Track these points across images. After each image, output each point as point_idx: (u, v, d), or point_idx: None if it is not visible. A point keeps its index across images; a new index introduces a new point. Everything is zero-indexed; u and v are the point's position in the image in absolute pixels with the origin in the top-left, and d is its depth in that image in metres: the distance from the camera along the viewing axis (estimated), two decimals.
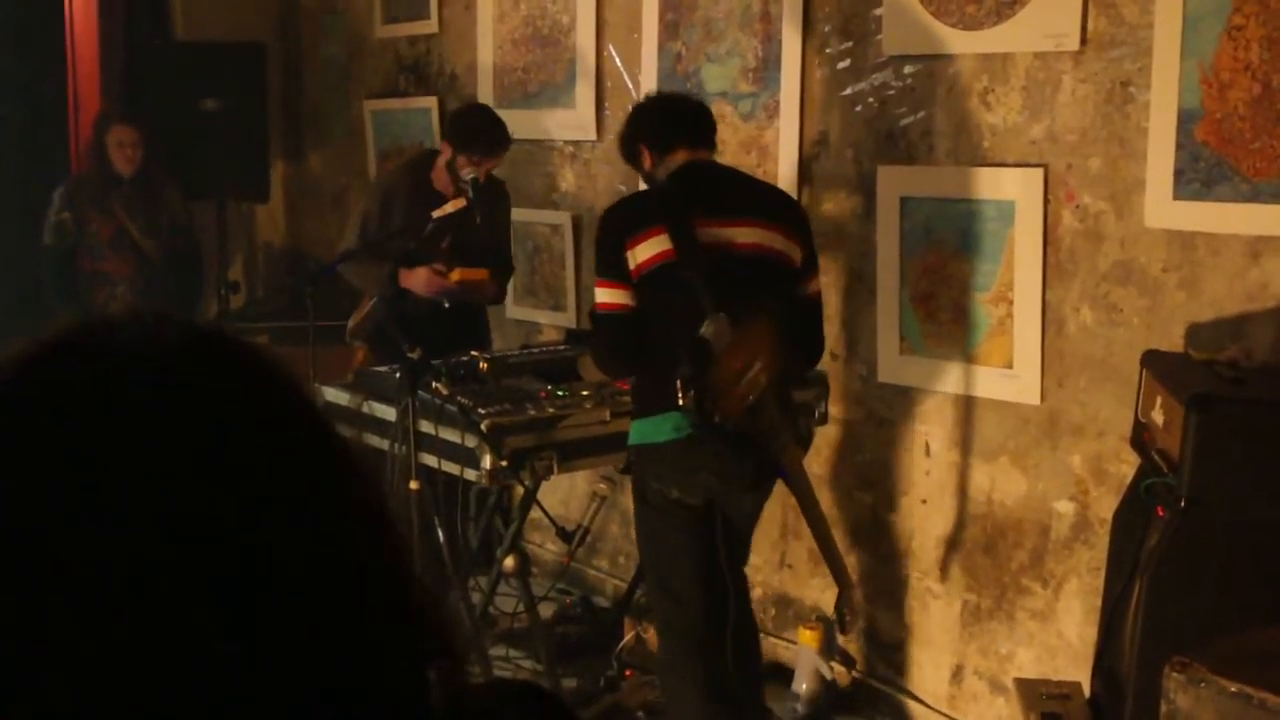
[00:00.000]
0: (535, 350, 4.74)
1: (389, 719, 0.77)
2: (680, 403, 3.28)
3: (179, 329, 0.78)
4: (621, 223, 3.49)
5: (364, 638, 0.76)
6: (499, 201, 4.77)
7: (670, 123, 3.64)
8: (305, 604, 0.73)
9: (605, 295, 3.48)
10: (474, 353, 4.27)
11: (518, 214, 5.46)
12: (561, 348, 4.68)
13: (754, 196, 3.62)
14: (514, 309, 5.56)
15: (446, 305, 4.61)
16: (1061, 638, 3.83)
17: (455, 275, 4.53)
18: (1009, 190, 3.79)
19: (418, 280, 4.54)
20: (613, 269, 3.45)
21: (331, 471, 0.79)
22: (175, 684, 0.68)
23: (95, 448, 0.70)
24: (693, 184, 3.53)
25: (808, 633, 4.32)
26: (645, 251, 3.39)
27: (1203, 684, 2.24)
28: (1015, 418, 3.88)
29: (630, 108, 3.90)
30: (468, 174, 4.46)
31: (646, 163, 3.64)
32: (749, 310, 3.32)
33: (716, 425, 3.30)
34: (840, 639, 4.38)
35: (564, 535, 4.28)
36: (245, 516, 0.72)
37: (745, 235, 3.46)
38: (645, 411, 3.51)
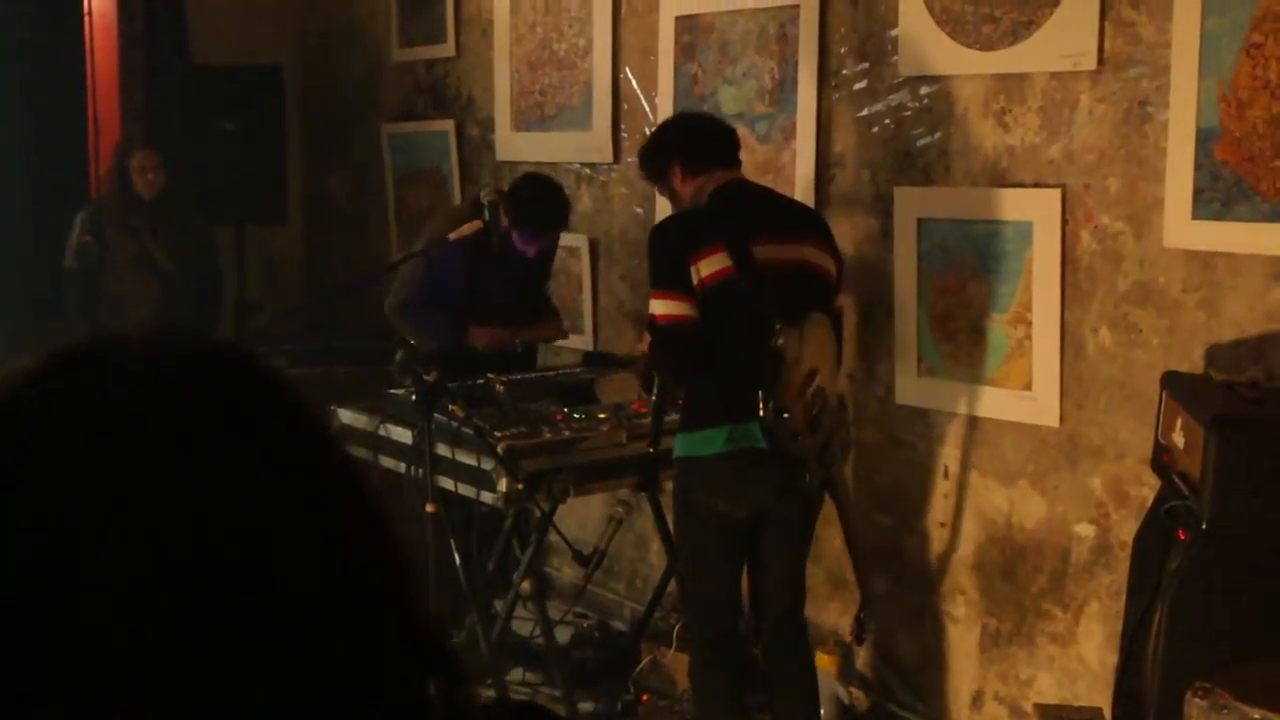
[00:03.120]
0: (552, 373, 4.74)
1: None
2: (761, 415, 3.35)
3: (191, 342, 0.78)
4: (682, 239, 3.53)
5: (364, 653, 0.75)
6: (546, 255, 4.83)
7: (705, 143, 3.68)
8: (305, 618, 0.72)
9: (666, 307, 3.49)
10: (490, 375, 4.26)
11: None
12: (578, 370, 4.67)
13: (794, 214, 3.73)
14: None
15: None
16: (1082, 662, 3.79)
17: (519, 339, 4.72)
18: (1027, 211, 3.77)
19: (486, 338, 4.60)
20: (675, 282, 3.48)
21: (338, 488, 0.79)
22: (174, 696, 0.68)
23: (104, 457, 0.70)
24: (739, 203, 3.59)
25: (825, 657, 4.29)
26: (708, 267, 3.44)
27: (1225, 709, 2.21)
28: (1034, 440, 3.85)
29: (656, 125, 3.90)
30: (486, 195, 4.50)
31: (676, 181, 3.66)
32: (807, 322, 3.42)
33: (785, 437, 3.37)
34: (858, 661, 4.35)
35: (580, 558, 4.25)
36: (249, 529, 0.71)
37: (793, 252, 3.55)
38: (696, 425, 3.55)
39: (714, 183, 3.61)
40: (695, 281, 3.44)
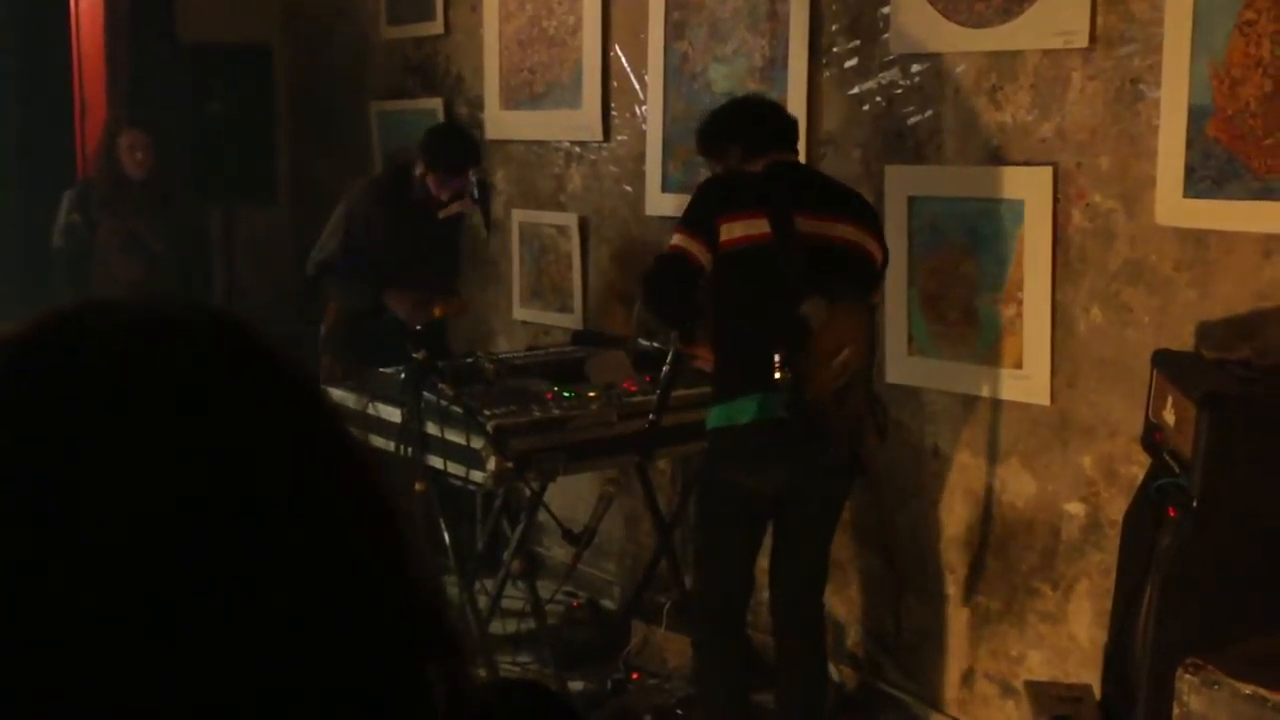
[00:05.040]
0: (541, 352, 4.73)
1: (388, 712, 0.75)
2: (777, 378, 3.34)
3: (181, 307, 0.77)
4: (721, 195, 3.55)
5: (361, 629, 0.74)
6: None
7: (769, 127, 3.70)
8: (300, 593, 0.71)
9: (679, 240, 3.51)
10: (479, 353, 4.26)
11: (525, 215, 5.46)
12: (568, 349, 4.67)
13: (845, 196, 3.70)
14: (520, 310, 5.55)
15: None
16: (1072, 640, 3.80)
17: (438, 311, 4.64)
18: (1018, 189, 3.76)
19: (404, 306, 4.62)
20: (697, 228, 3.49)
21: (332, 458, 0.78)
22: (167, 673, 0.67)
23: (91, 422, 0.69)
24: (789, 178, 3.61)
25: None
26: (739, 229, 3.45)
27: (1216, 686, 2.21)
28: (1025, 419, 3.85)
29: (719, 107, 3.86)
30: (448, 195, 4.60)
31: (734, 161, 3.66)
32: (841, 297, 3.42)
33: (807, 404, 3.35)
34: (848, 640, 4.35)
35: (570, 538, 4.25)
36: (241, 498, 0.70)
37: (839, 230, 3.54)
38: (727, 395, 3.53)
39: (770, 160, 3.62)
40: (722, 238, 3.44)
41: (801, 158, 4.27)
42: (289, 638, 0.70)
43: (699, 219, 3.51)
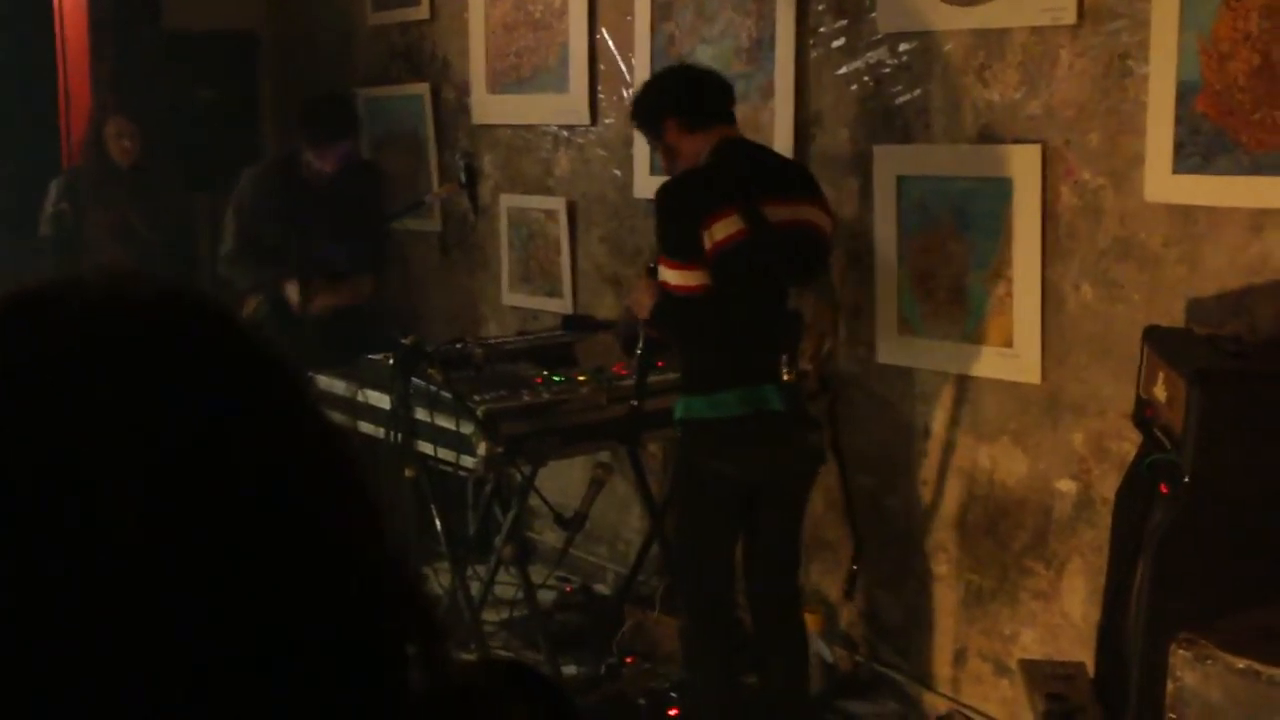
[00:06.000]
0: (531, 336, 4.72)
1: (364, 693, 0.74)
2: (786, 377, 3.37)
3: (150, 286, 0.76)
4: (692, 203, 3.46)
5: (335, 609, 0.73)
6: (366, 186, 4.87)
7: (706, 98, 3.61)
8: (274, 576, 0.70)
9: (680, 277, 3.45)
10: (468, 338, 4.25)
11: (512, 199, 5.44)
12: (557, 333, 4.65)
13: (794, 173, 3.70)
14: (510, 295, 5.53)
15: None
16: (1065, 618, 3.80)
17: (316, 304, 4.64)
18: (1007, 167, 3.75)
19: (291, 295, 4.64)
20: (687, 251, 3.42)
21: (304, 439, 0.76)
22: (137, 655, 0.66)
23: (56, 402, 0.68)
24: (744, 163, 3.54)
25: (809, 617, 4.28)
26: (721, 231, 3.38)
27: (1209, 661, 2.21)
28: (1016, 397, 3.84)
29: (651, 77, 3.85)
30: (331, 166, 4.69)
31: (671, 135, 3.59)
32: (813, 284, 3.44)
33: (808, 398, 3.41)
34: (842, 620, 4.35)
35: (562, 522, 4.24)
36: (212, 479, 0.69)
37: (798, 212, 3.52)
38: (705, 388, 3.51)
39: (713, 139, 3.54)
40: (708, 246, 3.38)
41: (790, 138, 4.28)
42: (258, 615, 0.69)
43: (684, 241, 3.43)
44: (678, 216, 3.47)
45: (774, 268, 3.40)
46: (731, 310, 3.45)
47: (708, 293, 3.41)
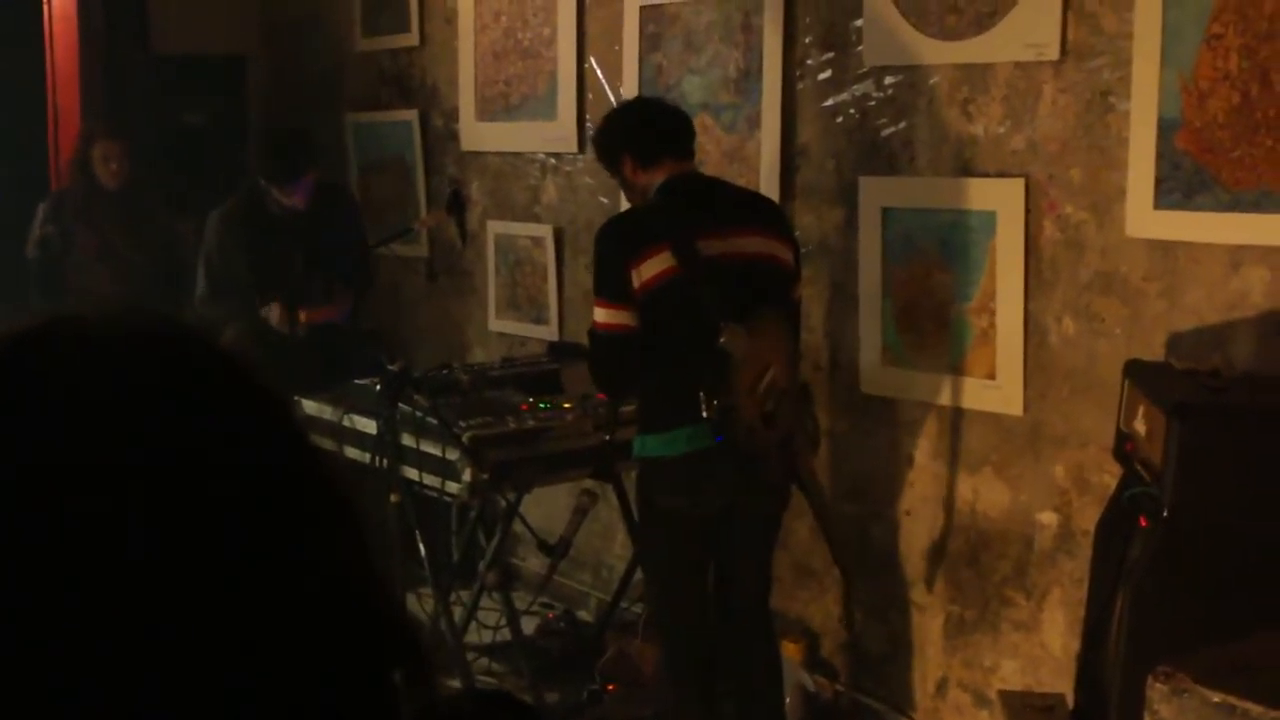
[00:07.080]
0: (517, 363, 4.73)
1: (348, 717, 0.75)
2: (705, 414, 3.30)
3: (148, 321, 0.77)
4: (623, 241, 3.47)
5: (322, 640, 0.74)
6: (339, 210, 4.90)
7: (657, 134, 3.60)
8: (259, 602, 0.71)
9: (605, 316, 3.45)
10: (454, 365, 4.26)
11: (500, 226, 5.46)
12: (544, 360, 4.67)
13: (746, 204, 3.66)
14: (496, 322, 5.55)
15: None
16: (1045, 649, 3.81)
17: (302, 318, 4.67)
18: (990, 200, 3.78)
19: (274, 317, 4.67)
20: (613, 289, 3.43)
21: (295, 470, 0.78)
22: (123, 684, 0.67)
23: (53, 434, 0.69)
24: (688, 197, 3.52)
25: (791, 646, 4.30)
26: (650, 269, 3.38)
27: (1186, 694, 2.23)
28: (998, 428, 3.87)
29: (608, 114, 3.88)
30: (299, 201, 4.70)
31: (628, 171, 3.62)
32: (757, 318, 3.36)
33: (739, 435, 3.32)
34: (823, 649, 4.36)
35: (546, 549, 4.25)
36: (198, 505, 0.70)
37: (746, 244, 3.49)
38: (656, 427, 3.51)
39: (663, 175, 3.54)
40: (636, 285, 3.38)
41: (776, 169, 4.31)
42: (243, 641, 0.70)
43: (612, 281, 3.43)
44: (608, 256, 3.48)
45: (705, 302, 3.34)
46: (659, 349, 3.42)
47: (632, 334, 3.41)
